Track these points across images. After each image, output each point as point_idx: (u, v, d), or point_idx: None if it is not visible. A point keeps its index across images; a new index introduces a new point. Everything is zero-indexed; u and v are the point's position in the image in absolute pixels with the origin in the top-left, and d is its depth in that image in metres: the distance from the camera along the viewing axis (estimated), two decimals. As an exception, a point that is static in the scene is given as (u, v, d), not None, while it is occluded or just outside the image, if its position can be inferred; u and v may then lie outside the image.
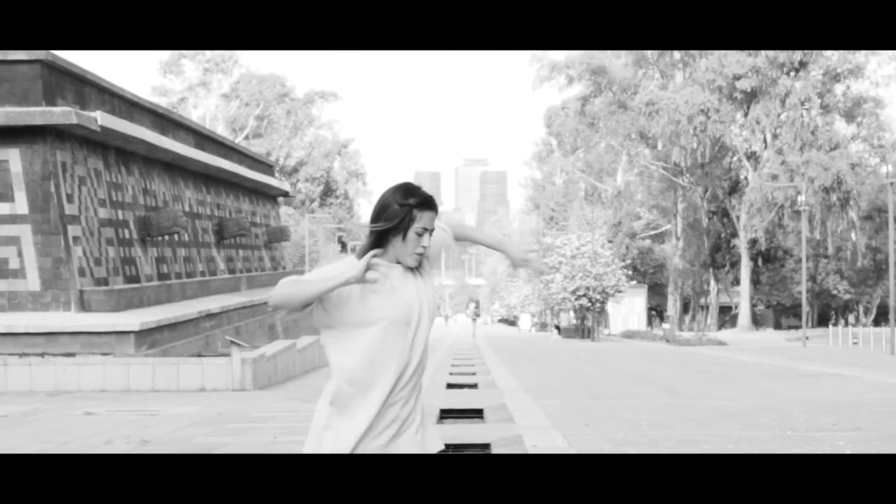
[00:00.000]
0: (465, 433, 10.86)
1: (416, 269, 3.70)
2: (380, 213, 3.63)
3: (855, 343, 45.22)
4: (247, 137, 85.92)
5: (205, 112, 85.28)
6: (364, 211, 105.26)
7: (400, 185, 3.69)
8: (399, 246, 3.63)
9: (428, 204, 3.64)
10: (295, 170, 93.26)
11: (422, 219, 3.61)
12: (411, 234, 3.60)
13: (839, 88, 69.18)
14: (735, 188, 74.02)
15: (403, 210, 3.60)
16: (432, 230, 3.67)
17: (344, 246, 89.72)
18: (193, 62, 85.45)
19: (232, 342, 19.26)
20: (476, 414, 13.68)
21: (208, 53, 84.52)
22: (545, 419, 12.10)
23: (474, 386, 19.53)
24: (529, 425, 11.32)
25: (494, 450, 9.77)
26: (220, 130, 79.97)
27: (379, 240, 3.64)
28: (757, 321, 74.10)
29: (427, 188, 3.78)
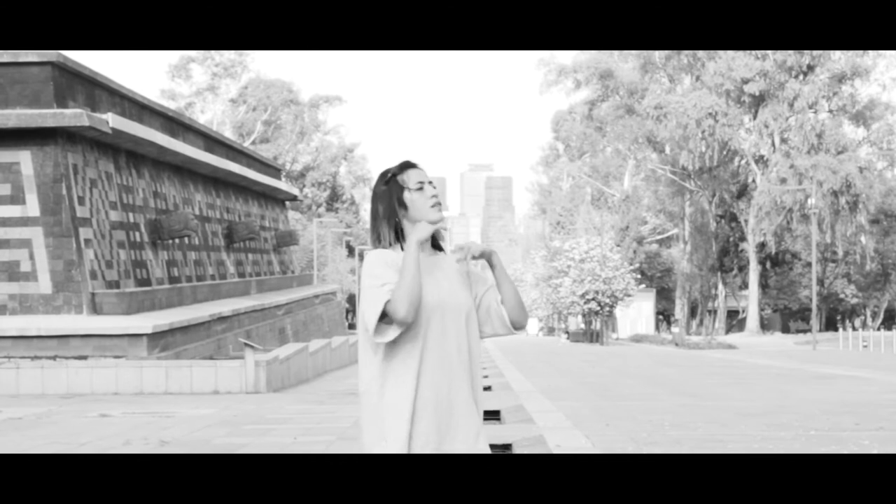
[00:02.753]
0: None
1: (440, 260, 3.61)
2: (375, 207, 3.59)
3: (865, 346, 45.06)
4: (254, 142, 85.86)
5: (212, 116, 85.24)
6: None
7: (378, 176, 3.68)
8: (412, 213, 3.54)
9: (406, 165, 3.60)
10: (301, 174, 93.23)
11: (410, 178, 3.56)
12: (414, 195, 3.52)
13: (847, 91, 69.01)
14: (743, 192, 73.84)
15: (391, 186, 3.56)
16: (429, 181, 3.59)
17: (351, 251, 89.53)
18: (202, 66, 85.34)
19: (245, 344, 19.19)
20: (493, 415, 13.57)
21: (217, 58, 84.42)
22: (565, 420, 12.00)
23: (488, 388, 19.42)
24: (550, 426, 11.23)
25: (516, 450, 9.67)
26: (228, 135, 79.88)
27: (397, 226, 3.56)
28: (764, 325, 73.89)
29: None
